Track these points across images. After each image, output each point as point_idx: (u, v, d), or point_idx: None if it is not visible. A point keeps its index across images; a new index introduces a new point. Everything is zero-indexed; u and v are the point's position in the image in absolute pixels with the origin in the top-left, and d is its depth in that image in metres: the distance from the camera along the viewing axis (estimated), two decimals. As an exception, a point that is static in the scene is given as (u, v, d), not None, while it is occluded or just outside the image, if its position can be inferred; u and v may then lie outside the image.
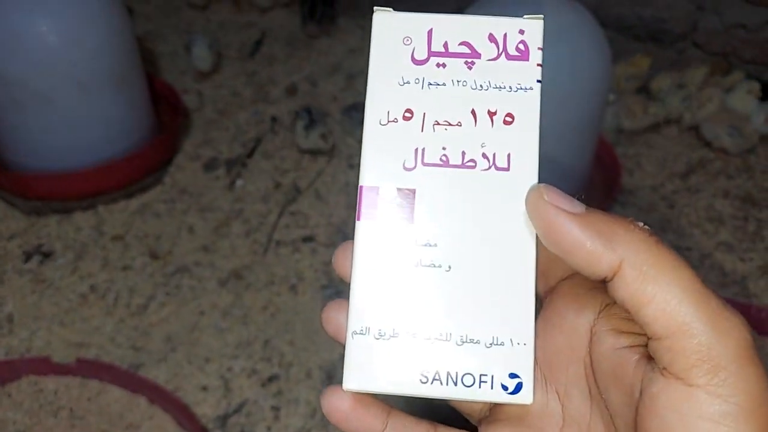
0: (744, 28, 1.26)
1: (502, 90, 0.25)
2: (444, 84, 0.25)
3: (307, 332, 0.89)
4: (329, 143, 1.14)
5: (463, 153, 0.24)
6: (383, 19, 0.25)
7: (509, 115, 0.24)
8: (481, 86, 0.25)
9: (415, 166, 0.24)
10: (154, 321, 0.90)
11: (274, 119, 1.24)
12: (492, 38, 0.25)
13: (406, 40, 0.25)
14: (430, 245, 0.24)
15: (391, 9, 0.25)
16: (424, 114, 0.24)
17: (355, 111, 1.23)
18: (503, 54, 0.25)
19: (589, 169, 1.01)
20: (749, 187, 1.12)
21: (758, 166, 1.16)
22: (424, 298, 0.24)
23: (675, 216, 1.06)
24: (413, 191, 0.24)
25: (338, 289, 0.94)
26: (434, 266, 0.24)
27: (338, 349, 0.87)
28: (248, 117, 1.25)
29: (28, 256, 0.98)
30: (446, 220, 0.24)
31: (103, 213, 1.05)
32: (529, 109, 0.25)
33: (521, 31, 0.25)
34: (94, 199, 1.05)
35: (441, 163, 0.24)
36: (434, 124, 0.24)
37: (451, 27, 0.25)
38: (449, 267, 0.24)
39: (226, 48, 1.43)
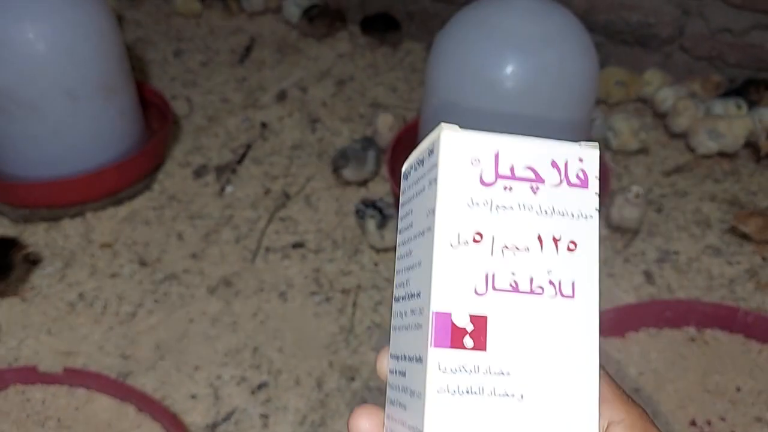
0: (730, 32, 1.27)
1: (565, 216, 0.25)
2: (511, 207, 0.24)
3: (296, 339, 0.89)
4: None
5: (531, 279, 0.24)
6: (452, 139, 0.24)
7: (572, 242, 0.25)
8: (545, 212, 0.25)
9: (486, 292, 0.24)
10: (143, 329, 0.89)
11: (264, 125, 1.24)
12: (554, 164, 0.25)
13: (474, 161, 0.24)
14: (503, 374, 0.23)
15: (457, 126, 0.25)
16: (494, 237, 0.24)
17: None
18: (565, 181, 0.25)
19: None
20: (736, 190, 1.13)
21: (745, 170, 1.17)
22: (497, 428, 0.23)
23: (663, 220, 1.07)
24: (485, 318, 0.24)
25: (327, 296, 0.94)
26: (507, 395, 0.23)
27: (328, 356, 0.87)
28: (238, 123, 1.25)
29: (16, 265, 0.97)
30: (518, 348, 0.24)
31: (91, 220, 1.04)
32: (589, 236, 0.25)
33: (580, 159, 0.25)
34: (83, 207, 1.04)
35: (511, 289, 0.24)
36: (503, 248, 0.24)
37: (516, 150, 0.25)
38: (522, 396, 0.23)
39: (215, 54, 1.43)
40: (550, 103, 0.89)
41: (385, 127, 1.14)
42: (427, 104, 0.97)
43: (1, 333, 0.88)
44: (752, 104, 1.21)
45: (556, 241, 0.24)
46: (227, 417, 0.80)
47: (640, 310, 0.89)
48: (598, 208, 0.25)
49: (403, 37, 1.46)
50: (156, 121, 1.17)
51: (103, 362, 0.85)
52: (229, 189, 1.11)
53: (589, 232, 0.25)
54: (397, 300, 0.28)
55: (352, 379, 0.84)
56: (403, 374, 0.26)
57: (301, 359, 0.86)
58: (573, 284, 0.24)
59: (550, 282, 0.24)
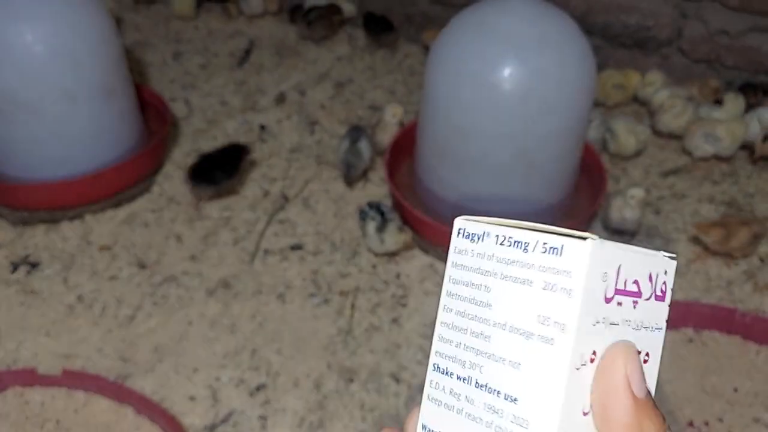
0: (727, 34, 1.27)
1: (647, 330, 0.25)
2: (617, 324, 0.24)
3: (294, 341, 0.89)
4: (405, 237, 0.97)
5: None
6: (596, 252, 0.23)
7: (648, 354, 0.25)
8: (638, 326, 0.25)
9: (588, 413, 0.23)
10: (142, 331, 0.90)
11: (262, 127, 1.25)
12: (650, 278, 0.25)
13: (604, 276, 0.23)
14: None
15: (597, 237, 0.23)
16: (602, 357, 0.24)
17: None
18: (653, 294, 0.25)
19: (576, 174, 1.02)
20: (734, 192, 1.13)
21: (743, 172, 1.17)
22: None
23: (661, 221, 1.07)
24: None
25: (326, 298, 0.94)
26: None
27: (326, 358, 0.87)
28: (237, 125, 1.25)
29: (15, 267, 0.98)
30: None
31: (90, 223, 1.04)
32: (657, 347, 0.25)
33: (666, 272, 0.25)
34: (82, 209, 1.04)
35: None
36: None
37: (630, 263, 0.24)
38: None
39: (214, 56, 1.44)
40: (548, 106, 0.89)
41: (394, 116, 1.13)
42: (425, 107, 0.97)
43: (0, 335, 0.88)
44: (749, 107, 1.21)
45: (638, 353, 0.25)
46: (226, 419, 0.80)
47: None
48: (667, 319, 0.26)
49: (399, 39, 1.47)
50: (155, 123, 1.18)
51: (102, 364, 0.85)
52: (227, 191, 1.11)
53: (658, 343, 0.25)
54: (446, 374, 0.26)
55: (351, 380, 0.84)
56: None
57: (300, 361, 0.86)
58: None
59: None
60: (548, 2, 0.92)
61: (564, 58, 0.89)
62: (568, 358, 0.22)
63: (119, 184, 1.06)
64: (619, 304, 0.24)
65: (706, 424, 0.79)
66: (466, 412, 0.25)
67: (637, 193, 0.98)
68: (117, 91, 1.04)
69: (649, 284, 0.25)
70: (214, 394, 0.82)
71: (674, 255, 0.26)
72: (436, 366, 0.26)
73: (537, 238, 0.24)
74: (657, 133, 1.23)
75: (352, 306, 0.93)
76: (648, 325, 0.25)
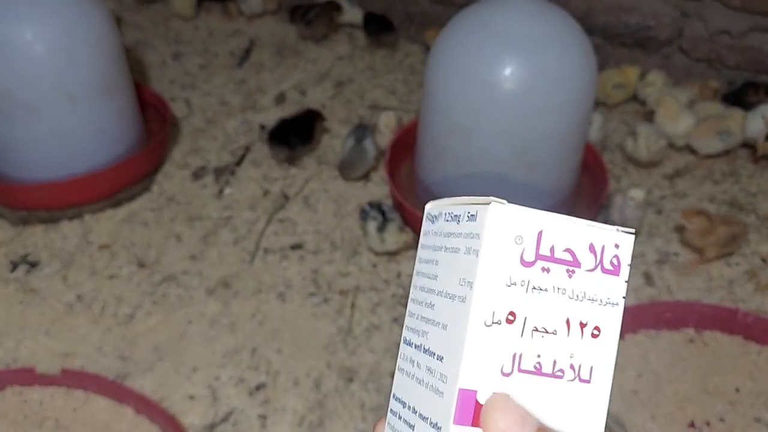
0: (728, 34, 1.27)
1: (594, 302, 0.25)
2: (546, 290, 0.24)
3: (294, 340, 0.88)
4: (405, 236, 0.97)
5: (554, 362, 0.24)
6: (500, 214, 0.24)
7: (597, 328, 0.25)
8: (577, 296, 0.25)
9: (511, 372, 0.24)
10: (141, 330, 0.89)
11: (262, 127, 1.24)
12: (592, 248, 0.25)
13: (518, 239, 0.24)
14: None
15: (505, 201, 0.24)
16: (525, 318, 0.24)
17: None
18: (599, 266, 0.25)
19: (577, 174, 1.01)
20: (735, 191, 1.13)
21: (744, 171, 1.17)
22: None
23: (662, 221, 1.06)
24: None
25: (326, 297, 0.94)
26: None
27: (326, 357, 0.87)
28: (237, 125, 1.25)
29: (14, 266, 0.97)
30: None
31: (89, 222, 1.04)
32: (612, 323, 0.25)
33: (617, 245, 0.25)
34: (81, 208, 1.04)
35: (534, 370, 0.24)
36: (533, 330, 0.24)
37: (558, 231, 0.25)
38: None
39: (214, 56, 1.43)
40: (548, 105, 0.89)
41: (387, 126, 1.14)
42: (426, 106, 0.97)
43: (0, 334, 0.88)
44: (750, 106, 1.21)
45: (582, 326, 0.25)
46: (225, 418, 0.80)
47: (640, 311, 0.89)
48: (625, 295, 0.25)
49: (399, 39, 1.46)
50: (155, 123, 1.17)
51: (101, 363, 0.85)
52: (227, 191, 1.11)
53: (613, 319, 0.25)
54: (409, 344, 0.27)
55: (351, 380, 0.84)
56: (411, 426, 0.26)
57: (300, 360, 0.86)
58: (591, 369, 0.25)
59: (571, 366, 0.25)
60: (549, 1, 0.92)
61: (565, 57, 0.89)
62: (472, 313, 0.24)
63: (119, 183, 1.06)
64: (545, 269, 0.24)
65: (708, 424, 0.79)
66: (417, 377, 0.26)
67: (637, 194, 0.98)
68: (117, 91, 1.04)
69: (592, 255, 0.25)
70: (213, 394, 0.82)
71: (632, 230, 0.25)
72: (404, 338, 0.28)
73: (466, 209, 0.25)
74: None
75: (352, 305, 0.93)
76: (595, 298, 0.25)
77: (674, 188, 1.13)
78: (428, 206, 0.28)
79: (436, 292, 0.26)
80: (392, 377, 0.85)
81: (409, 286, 0.94)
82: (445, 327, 0.25)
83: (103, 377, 0.80)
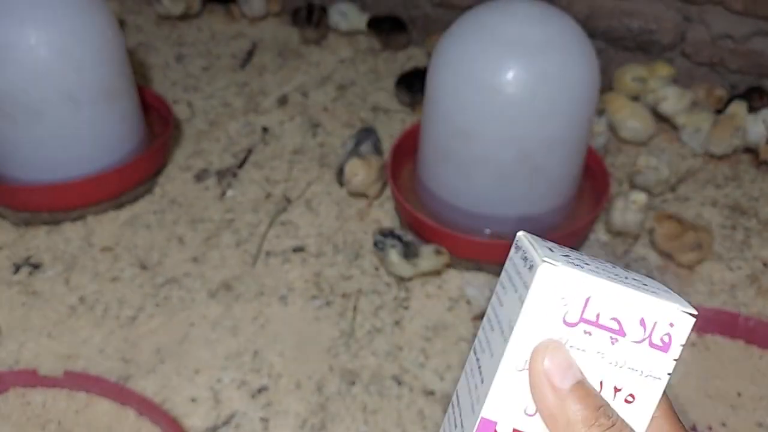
0: (731, 38, 1.27)
1: (635, 372, 0.25)
2: (584, 350, 0.25)
3: (296, 343, 0.88)
4: (445, 258, 0.94)
5: None
6: (546, 275, 0.25)
7: (631, 395, 0.25)
8: (617, 363, 0.25)
9: (534, 414, 0.25)
10: (144, 332, 0.89)
11: (265, 130, 1.25)
12: (642, 322, 0.25)
13: (563, 300, 0.25)
14: None
15: (558, 263, 0.25)
16: None
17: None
18: (647, 340, 0.25)
19: (579, 177, 1.01)
20: (738, 196, 1.13)
21: (746, 176, 1.17)
22: None
23: (664, 225, 1.06)
24: None
25: (328, 300, 0.94)
26: None
27: (328, 360, 0.87)
28: (239, 127, 1.25)
29: (17, 268, 0.98)
30: None
31: (92, 224, 1.04)
32: (651, 395, 0.25)
33: (671, 324, 0.25)
34: (84, 210, 1.04)
35: None
36: None
37: (608, 299, 0.25)
38: None
39: (217, 58, 1.44)
40: (551, 109, 0.89)
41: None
42: (427, 109, 0.97)
43: (2, 336, 0.88)
44: (753, 110, 1.21)
45: (616, 390, 0.25)
46: (227, 420, 0.80)
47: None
48: (671, 372, 0.25)
49: (411, 40, 1.47)
50: (157, 125, 1.18)
51: (104, 366, 0.85)
52: (230, 193, 1.11)
53: (653, 391, 0.25)
54: (474, 352, 0.29)
55: (353, 383, 0.84)
56: (455, 426, 0.28)
57: (302, 363, 0.86)
58: None
59: None
60: (551, 5, 0.92)
61: (567, 61, 0.89)
62: (505, 356, 0.25)
63: (121, 185, 1.06)
64: (588, 333, 0.25)
65: (710, 428, 0.79)
66: (469, 386, 0.28)
67: (639, 198, 0.98)
68: (120, 94, 1.04)
69: (641, 328, 0.25)
70: (215, 396, 0.82)
71: (694, 312, 0.25)
72: (472, 347, 0.30)
73: (532, 257, 0.26)
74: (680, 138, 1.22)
75: (354, 308, 0.93)
76: (636, 368, 0.25)
77: (676, 192, 1.13)
78: (519, 234, 0.29)
79: (498, 319, 0.27)
80: (394, 380, 0.85)
81: (411, 289, 0.95)
82: (492, 354, 0.27)
83: (106, 379, 0.80)
